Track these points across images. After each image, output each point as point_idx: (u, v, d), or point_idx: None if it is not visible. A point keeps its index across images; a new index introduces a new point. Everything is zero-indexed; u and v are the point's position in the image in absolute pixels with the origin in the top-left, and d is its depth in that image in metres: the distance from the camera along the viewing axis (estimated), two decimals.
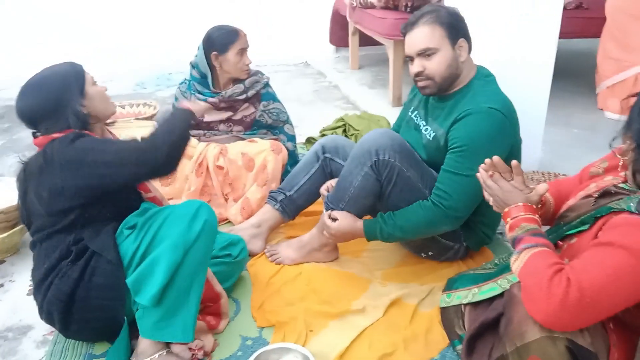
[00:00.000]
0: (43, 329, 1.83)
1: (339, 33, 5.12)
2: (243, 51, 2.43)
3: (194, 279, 1.53)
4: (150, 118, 3.43)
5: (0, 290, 2.06)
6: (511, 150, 1.76)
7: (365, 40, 4.73)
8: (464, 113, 1.72)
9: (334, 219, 1.88)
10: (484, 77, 1.82)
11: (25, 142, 3.50)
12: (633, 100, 1.18)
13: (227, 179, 2.44)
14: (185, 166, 2.42)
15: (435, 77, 1.77)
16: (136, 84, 4.67)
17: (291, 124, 2.68)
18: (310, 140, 3.24)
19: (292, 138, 2.67)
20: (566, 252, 1.28)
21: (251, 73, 2.52)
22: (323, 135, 3.25)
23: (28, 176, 1.57)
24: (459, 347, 1.58)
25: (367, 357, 1.61)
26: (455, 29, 1.75)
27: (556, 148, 2.95)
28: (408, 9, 3.80)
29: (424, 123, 1.91)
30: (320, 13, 5.16)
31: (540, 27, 2.34)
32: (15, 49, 4.64)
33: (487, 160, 1.40)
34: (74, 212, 1.53)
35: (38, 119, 1.58)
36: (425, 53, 1.75)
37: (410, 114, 2.02)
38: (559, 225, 1.37)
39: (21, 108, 1.58)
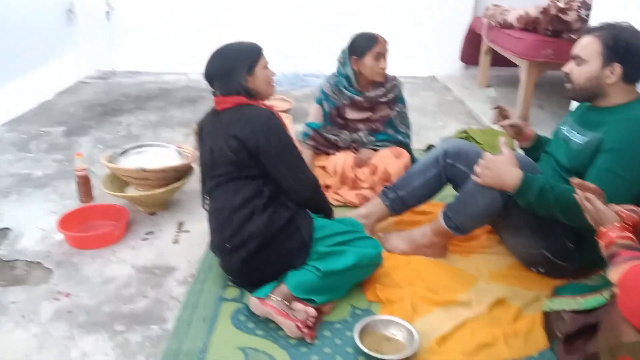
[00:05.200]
0: (185, 272, 2.14)
1: (471, 51, 5.17)
2: (380, 56, 2.60)
3: (349, 283, 1.95)
4: (286, 112, 3.74)
5: (152, 236, 2.41)
6: None
7: (496, 61, 4.77)
8: (623, 118, 1.75)
9: None
10: None
11: (176, 120, 3.97)
12: None
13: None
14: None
15: (574, 83, 1.87)
16: None
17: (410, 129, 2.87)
18: (430, 148, 3.35)
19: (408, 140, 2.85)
20: None
21: (388, 78, 2.72)
22: None
23: (222, 126, 1.89)
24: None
25: (468, 343, 1.72)
26: (615, 52, 1.77)
27: None
28: (548, 33, 3.79)
29: (575, 132, 1.92)
30: (452, 30, 5.25)
31: None
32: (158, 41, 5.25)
33: (576, 180, 1.46)
34: (257, 165, 1.88)
35: (213, 79, 1.94)
36: (577, 59, 1.84)
37: (561, 128, 2.04)
38: None
39: (205, 67, 1.95)
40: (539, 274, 2.05)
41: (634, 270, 1.26)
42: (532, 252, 1.99)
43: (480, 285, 2.01)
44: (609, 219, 1.41)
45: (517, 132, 2.22)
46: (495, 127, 3.64)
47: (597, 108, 1.88)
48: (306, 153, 2.75)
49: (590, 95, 1.86)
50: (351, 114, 2.74)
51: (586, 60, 1.81)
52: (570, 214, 1.73)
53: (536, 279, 2.03)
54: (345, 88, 2.69)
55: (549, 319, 1.73)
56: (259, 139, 1.84)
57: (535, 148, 2.20)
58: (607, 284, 1.56)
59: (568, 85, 1.89)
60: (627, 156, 1.71)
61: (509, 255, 2.17)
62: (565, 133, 1.99)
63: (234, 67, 1.89)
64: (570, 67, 1.87)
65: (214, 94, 1.95)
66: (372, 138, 2.76)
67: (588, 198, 1.44)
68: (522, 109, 3.84)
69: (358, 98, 2.68)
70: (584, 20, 3.67)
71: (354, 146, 2.78)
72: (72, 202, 2.68)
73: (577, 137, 1.91)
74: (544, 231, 1.92)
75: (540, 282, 2.00)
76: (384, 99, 2.70)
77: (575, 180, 1.47)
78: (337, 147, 2.80)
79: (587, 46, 1.81)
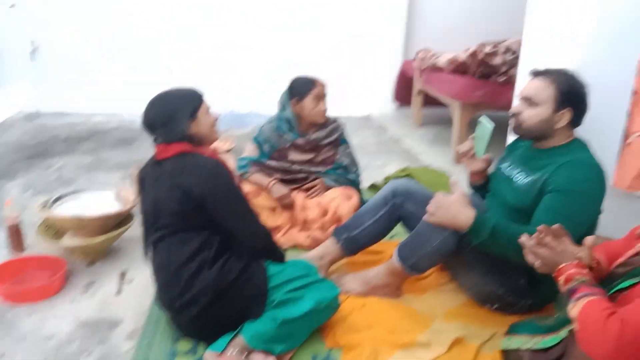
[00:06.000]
0: (131, 325, 2.01)
1: (403, 91, 5.37)
2: (319, 97, 2.67)
3: (307, 329, 1.89)
4: (227, 152, 3.69)
5: (92, 287, 2.26)
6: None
7: (429, 101, 4.97)
8: (569, 160, 1.82)
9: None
10: (582, 144, 1.92)
11: (111, 162, 3.80)
12: None
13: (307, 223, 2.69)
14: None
15: (522, 124, 1.91)
16: None
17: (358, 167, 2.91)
18: (373, 187, 3.39)
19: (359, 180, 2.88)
20: (620, 304, 1.37)
21: (330, 120, 2.76)
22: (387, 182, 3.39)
23: (165, 175, 1.81)
24: None
25: None
26: (568, 98, 1.83)
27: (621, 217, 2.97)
28: (477, 75, 4.00)
29: (518, 172, 1.98)
30: (385, 70, 5.43)
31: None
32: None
33: (541, 227, 1.50)
34: (203, 216, 1.79)
35: (154, 127, 1.86)
36: (528, 101, 1.88)
37: (500, 167, 2.10)
38: (611, 280, 1.48)
39: (144, 115, 1.87)
40: (492, 310, 2.09)
41: (591, 305, 1.30)
42: (485, 290, 2.03)
43: (437, 325, 2.01)
44: (568, 258, 1.46)
45: (484, 169, 2.21)
46: (435, 165, 3.77)
47: (539, 149, 1.96)
48: (257, 177, 2.70)
49: (538, 136, 1.92)
50: (294, 156, 2.75)
51: (539, 103, 1.85)
52: (522, 253, 1.78)
53: (491, 316, 2.06)
54: (286, 131, 2.70)
55: (509, 357, 1.75)
56: (204, 189, 1.78)
57: (485, 185, 2.25)
58: (564, 323, 1.61)
59: (515, 125, 1.93)
60: (572, 196, 1.78)
61: (462, 292, 2.20)
62: (507, 172, 2.06)
63: (175, 113, 1.83)
64: (519, 108, 1.91)
65: (155, 142, 1.87)
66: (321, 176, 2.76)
67: (544, 243, 1.48)
68: (457, 146, 3.99)
69: (299, 141, 2.70)
70: (510, 64, 3.92)
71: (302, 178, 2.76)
72: (2, 252, 2.48)
73: (520, 177, 1.97)
74: (497, 269, 1.96)
75: (495, 319, 2.03)
76: (326, 141, 2.73)
77: (540, 227, 1.49)
78: (280, 172, 2.75)
79: (541, 90, 1.86)
